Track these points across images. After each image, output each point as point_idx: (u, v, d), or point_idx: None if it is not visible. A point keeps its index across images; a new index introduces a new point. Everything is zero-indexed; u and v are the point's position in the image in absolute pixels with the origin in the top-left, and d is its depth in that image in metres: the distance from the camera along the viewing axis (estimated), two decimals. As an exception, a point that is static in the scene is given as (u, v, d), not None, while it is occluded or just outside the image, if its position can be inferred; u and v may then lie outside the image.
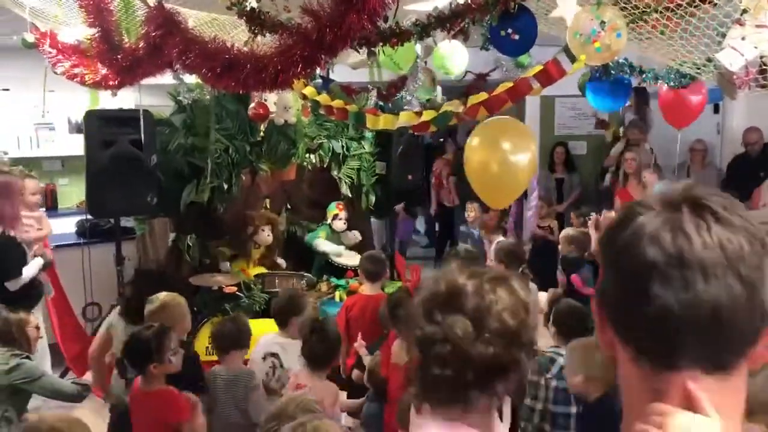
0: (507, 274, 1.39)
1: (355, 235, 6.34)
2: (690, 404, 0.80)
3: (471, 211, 7.02)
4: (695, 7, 2.63)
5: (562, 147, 8.11)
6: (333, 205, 6.23)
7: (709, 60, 2.74)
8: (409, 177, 6.38)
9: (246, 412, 3.39)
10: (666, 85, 3.17)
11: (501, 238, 6.47)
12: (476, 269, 1.37)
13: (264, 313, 5.12)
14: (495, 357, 1.26)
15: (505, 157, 3.65)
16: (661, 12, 2.64)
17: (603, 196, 7.47)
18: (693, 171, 7.32)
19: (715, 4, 2.65)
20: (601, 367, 2.84)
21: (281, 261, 6.01)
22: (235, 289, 5.34)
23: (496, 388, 1.29)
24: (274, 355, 3.78)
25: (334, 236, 6.22)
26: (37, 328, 3.83)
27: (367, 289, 4.62)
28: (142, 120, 4.88)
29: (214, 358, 3.83)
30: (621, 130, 7.64)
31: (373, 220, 7.26)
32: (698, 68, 2.81)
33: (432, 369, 1.28)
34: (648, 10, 2.60)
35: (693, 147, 7.39)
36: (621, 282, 0.84)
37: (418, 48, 3.50)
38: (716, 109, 7.90)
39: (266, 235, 5.80)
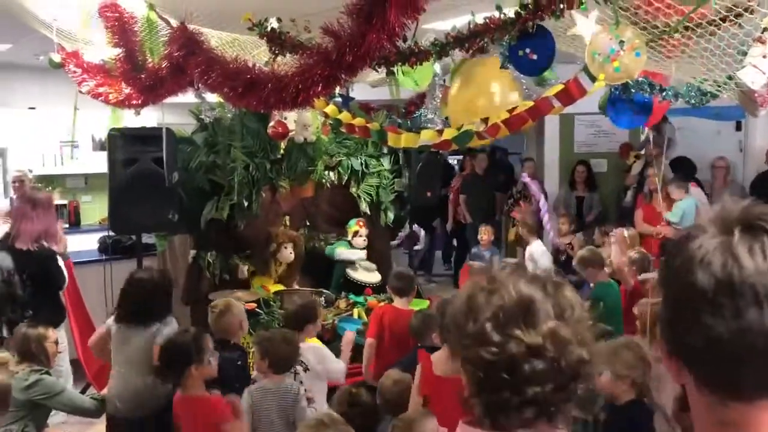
0: (555, 276, 1.29)
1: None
2: None
3: (484, 234, 7.07)
4: (716, 26, 2.63)
5: (583, 166, 8.08)
6: (353, 222, 6.24)
7: (730, 78, 2.72)
8: (428, 194, 6.39)
9: (292, 426, 3.40)
10: (686, 102, 3.16)
11: (537, 241, 6.48)
12: (526, 273, 1.25)
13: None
14: (584, 363, 1.18)
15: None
16: (681, 31, 2.64)
17: (625, 214, 7.42)
18: (715, 188, 7.26)
19: (736, 23, 2.64)
20: (628, 365, 2.79)
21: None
22: (254, 305, 5.35)
23: (574, 399, 1.21)
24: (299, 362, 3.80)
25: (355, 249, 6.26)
26: (56, 342, 3.87)
27: (398, 303, 4.62)
28: (164, 138, 4.94)
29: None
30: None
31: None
32: (719, 86, 2.79)
33: (526, 388, 1.15)
34: (668, 30, 2.60)
35: (715, 164, 7.34)
36: (675, 309, 0.81)
37: (437, 66, 3.52)
38: (738, 127, 7.85)
39: (288, 253, 5.83)
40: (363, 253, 6.18)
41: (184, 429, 3.26)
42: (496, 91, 3.14)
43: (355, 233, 6.18)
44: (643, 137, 7.69)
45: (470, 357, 1.20)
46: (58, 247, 4.83)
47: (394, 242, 7.38)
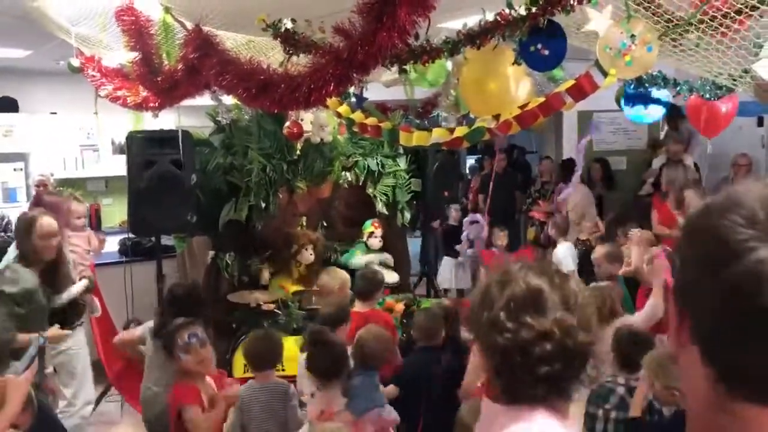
0: (558, 268, 1.44)
1: (389, 259, 6.37)
2: None
3: (499, 240, 7.07)
4: (731, 19, 2.60)
5: (598, 164, 8.01)
6: (368, 223, 6.26)
7: (746, 71, 2.70)
8: (445, 193, 6.38)
9: (285, 425, 3.42)
10: (701, 97, 3.13)
11: (565, 243, 6.43)
12: (535, 266, 1.40)
13: (302, 331, 5.16)
14: (589, 345, 1.33)
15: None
16: (695, 25, 2.62)
17: (641, 209, 7.34)
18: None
19: (751, 16, 2.61)
20: (675, 377, 2.75)
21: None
22: (273, 306, 5.38)
23: (582, 376, 1.36)
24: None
25: (371, 253, 6.25)
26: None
27: (359, 307, 4.45)
28: (181, 140, 4.99)
29: (251, 375, 3.87)
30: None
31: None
32: (734, 80, 2.76)
33: (537, 368, 1.30)
34: (681, 23, 2.58)
35: (737, 161, 7.23)
36: (732, 323, 0.73)
37: (449, 64, 3.52)
38: (760, 123, 7.74)
39: (309, 254, 5.86)
40: (374, 257, 6.17)
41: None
42: (508, 74, 3.11)
43: (371, 234, 6.20)
44: (662, 134, 7.63)
45: (487, 342, 1.36)
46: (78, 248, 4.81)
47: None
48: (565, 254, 6.36)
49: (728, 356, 0.75)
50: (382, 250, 6.30)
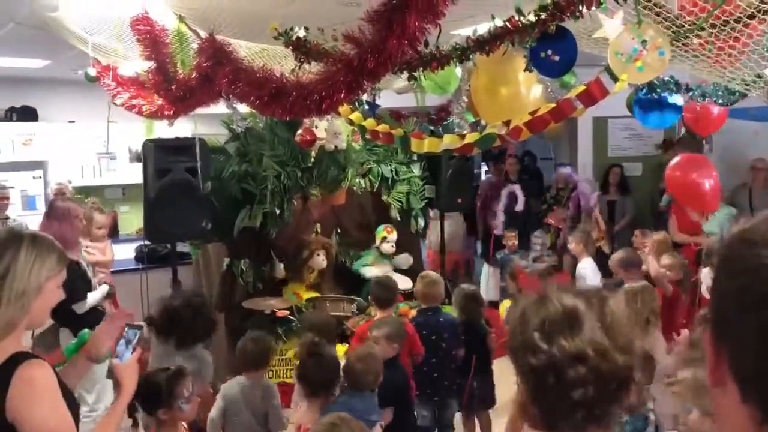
0: (602, 291, 1.41)
1: (407, 259, 6.36)
2: None
3: (509, 240, 7.08)
4: (744, 24, 2.59)
5: (618, 168, 7.96)
6: (381, 228, 6.28)
7: (759, 76, 2.68)
8: (459, 200, 6.38)
9: (264, 420, 3.47)
10: (714, 102, 3.11)
11: (588, 259, 6.33)
12: (572, 288, 1.38)
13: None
14: (626, 369, 1.28)
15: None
16: (707, 30, 2.61)
17: (660, 218, 7.29)
18: (755, 190, 7.09)
19: (765, 21, 2.60)
20: None
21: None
22: (287, 312, 5.40)
23: (624, 401, 1.32)
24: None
25: (383, 259, 6.25)
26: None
27: (378, 315, 4.44)
28: (197, 148, 5.03)
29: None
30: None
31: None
32: (747, 84, 2.75)
33: (571, 392, 1.26)
34: (693, 28, 2.57)
35: (755, 166, 7.17)
36: None
37: (459, 71, 3.53)
38: (777, 127, 7.66)
39: (321, 260, 5.88)
40: (389, 268, 6.18)
41: None
42: (519, 81, 3.12)
43: (383, 239, 6.21)
44: (677, 138, 7.57)
45: (522, 364, 1.33)
46: (77, 256, 4.77)
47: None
48: (592, 270, 6.17)
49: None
50: (394, 255, 6.32)
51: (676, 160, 4.23)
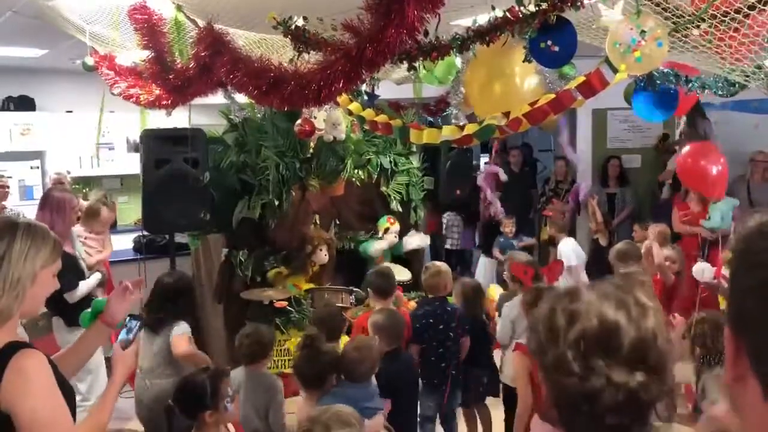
0: (636, 290, 1.25)
1: (422, 238, 6.38)
2: None
3: (506, 227, 7.13)
4: (744, 15, 2.57)
5: (617, 160, 7.95)
6: (384, 219, 6.27)
7: (759, 67, 2.67)
8: (458, 191, 6.38)
9: (265, 413, 3.46)
10: (714, 94, 3.10)
11: (568, 239, 6.41)
12: (613, 291, 1.22)
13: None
14: (665, 391, 1.19)
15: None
16: (707, 21, 2.59)
17: (660, 211, 7.28)
18: (753, 183, 7.09)
19: (765, 11, 2.58)
20: None
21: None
22: (285, 303, 5.40)
23: (652, 420, 1.22)
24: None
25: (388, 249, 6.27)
26: None
27: (378, 305, 4.41)
28: (195, 139, 5.02)
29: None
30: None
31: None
32: (747, 76, 2.73)
33: (605, 418, 1.16)
34: (692, 19, 2.55)
35: (754, 158, 7.16)
36: None
37: (459, 62, 3.51)
38: (777, 120, 7.65)
39: (323, 255, 5.88)
40: (386, 243, 6.21)
41: None
42: (515, 73, 3.11)
43: (386, 230, 6.21)
44: (678, 131, 7.55)
45: (551, 379, 1.22)
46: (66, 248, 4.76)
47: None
48: (570, 250, 6.30)
49: None
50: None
51: (686, 148, 4.17)
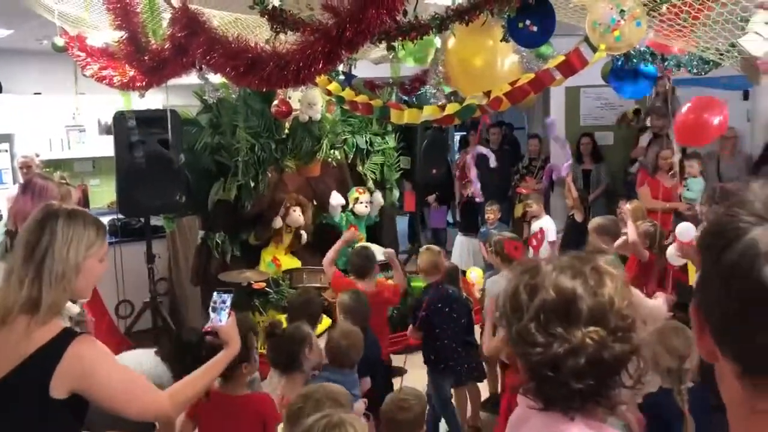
0: (596, 260, 1.30)
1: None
2: None
3: (490, 214, 7.02)
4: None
5: (588, 138, 8.02)
6: (353, 189, 6.28)
7: (733, 45, 2.71)
8: (434, 171, 6.40)
9: None
10: (688, 72, 3.14)
11: (546, 217, 6.45)
12: (570, 262, 1.28)
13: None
14: (629, 352, 1.23)
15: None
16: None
17: (631, 187, 7.38)
18: (723, 159, 7.21)
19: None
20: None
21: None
22: (263, 285, 5.40)
23: (623, 381, 1.26)
24: None
25: (358, 221, 6.29)
26: None
27: (360, 285, 4.38)
28: (169, 120, 4.96)
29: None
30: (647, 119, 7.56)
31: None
32: (721, 54, 2.78)
33: (570, 384, 1.21)
34: (669, -2, 2.58)
35: (723, 135, 7.27)
36: (734, 304, 0.74)
37: (438, 41, 3.51)
38: (746, 96, 7.77)
39: (297, 215, 5.85)
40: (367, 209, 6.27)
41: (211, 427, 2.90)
42: (495, 51, 3.11)
43: (356, 200, 6.24)
44: (648, 106, 7.64)
45: (519, 352, 1.28)
46: None
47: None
48: (551, 225, 6.37)
49: (742, 343, 0.75)
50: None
51: (688, 104, 4.13)
